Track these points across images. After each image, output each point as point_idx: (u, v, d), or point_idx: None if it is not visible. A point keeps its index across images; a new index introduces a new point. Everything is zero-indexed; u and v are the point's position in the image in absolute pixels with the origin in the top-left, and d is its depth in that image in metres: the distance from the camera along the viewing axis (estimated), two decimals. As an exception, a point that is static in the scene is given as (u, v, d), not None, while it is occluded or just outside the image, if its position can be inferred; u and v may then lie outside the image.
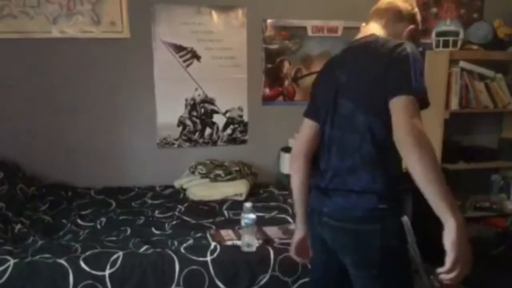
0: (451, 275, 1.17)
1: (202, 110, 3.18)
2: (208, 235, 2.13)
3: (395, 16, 1.54)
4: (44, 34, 2.85)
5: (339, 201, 1.44)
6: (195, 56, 3.10)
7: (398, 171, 1.40)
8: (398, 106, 1.26)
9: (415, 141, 1.20)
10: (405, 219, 1.38)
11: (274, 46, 3.23)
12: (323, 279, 1.62)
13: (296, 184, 1.62)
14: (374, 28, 1.53)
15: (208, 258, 1.92)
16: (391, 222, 1.37)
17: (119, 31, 2.95)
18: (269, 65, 3.24)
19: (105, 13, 2.91)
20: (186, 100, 3.14)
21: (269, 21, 3.19)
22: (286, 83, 3.30)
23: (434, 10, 3.37)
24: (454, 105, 3.07)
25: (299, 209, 1.62)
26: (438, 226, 1.20)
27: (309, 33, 3.26)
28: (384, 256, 1.38)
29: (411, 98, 1.26)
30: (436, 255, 1.24)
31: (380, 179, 1.37)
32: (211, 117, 3.20)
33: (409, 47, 1.33)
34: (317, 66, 3.31)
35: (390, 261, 1.39)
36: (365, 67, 1.41)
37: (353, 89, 1.43)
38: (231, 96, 3.21)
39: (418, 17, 1.58)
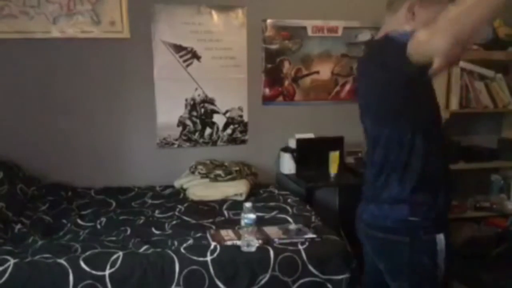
0: None
1: (202, 110, 3.18)
2: (208, 235, 2.13)
3: (394, 4, 1.44)
4: (44, 34, 2.84)
5: (373, 210, 1.45)
6: (195, 56, 3.10)
7: (434, 182, 1.37)
8: (411, 47, 1.15)
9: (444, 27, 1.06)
10: (441, 237, 1.36)
11: (274, 46, 3.22)
12: (373, 278, 1.64)
13: None
14: (381, 30, 1.50)
15: (208, 258, 1.92)
16: (422, 238, 1.35)
17: (119, 31, 2.95)
18: (269, 65, 3.24)
19: (105, 13, 2.91)
20: (186, 100, 3.14)
21: (269, 21, 3.19)
22: (286, 83, 3.30)
23: (434, 10, 3.36)
24: (454, 105, 3.07)
25: None
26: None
27: (309, 33, 3.25)
28: (414, 271, 1.37)
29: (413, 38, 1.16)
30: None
31: (411, 189, 1.36)
32: (211, 117, 3.20)
33: (390, 35, 1.28)
34: (317, 66, 3.32)
35: (421, 277, 1.38)
36: (370, 79, 1.41)
37: (368, 105, 1.46)
38: (231, 96, 3.21)
39: None
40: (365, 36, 3.31)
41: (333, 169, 3.03)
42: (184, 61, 3.09)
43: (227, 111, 3.22)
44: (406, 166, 1.37)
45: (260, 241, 2.02)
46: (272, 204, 2.64)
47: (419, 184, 1.37)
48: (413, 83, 1.26)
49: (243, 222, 1.99)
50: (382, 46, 1.36)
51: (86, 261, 1.85)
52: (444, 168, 1.43)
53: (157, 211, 2.57)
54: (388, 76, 1.29)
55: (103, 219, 2.44)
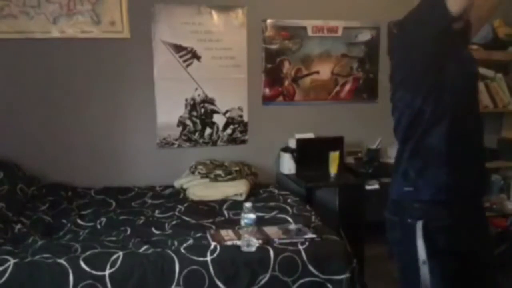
0: None
1: (202, 110, 3.18)
2: (208, 235, 2.13)
3: None
4: (44, 34, 2.84)
5: (389, 189, 1.45)
6: (195, 56, 3.10)
7: (438, 156, 1.32)
8: None
9: None
10: (420, 224, 1.30)
11: (274, 46, 3.23)
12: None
13: None
14: None
15: (208, 258, 1.91)
16: (409, 220, 1.32)
17: (119, 31, 2.95)
18: (269, 65, 3.24)
19: (105, 13, 2.91)
20: (186, 100, 3.14)
21: (269, 21, 3.19)
22: (286, 83, 3.30)
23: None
24: (454, 105, 3.07)
25: None
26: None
27: (309, 33, 3.26)
28: (400, 253, 1.37)
29: None
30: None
31: (409, 156, 1.34)
32: (211, 117, 3.20)
33: None
34: (317, 66, 3.32)
35: (406, 261, 1.36)
36: (400, 41, 1.45)
37: (393, 67, 1.45)
38: (231, 96, 3.21)
39: None
40: (365, 36, 3.32)
41: (333, 169, 3.03)
42: (184, 61, 3.09)
43: (227, 111, 3.22)
44: (409, 131, 1.34)
45: (260, 241, 2.01)
46: (272, 204, 2.64)
47: (418, 152, 1.34)
48: (442, 37, 1.26)
49: (243, 222, 1.99)
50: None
51: (86, 261, 1.85)
52: (455, 145, 1.34)
53: (157, 211, 2.57)
54: (419, 30, 1.30)
55: (103, 219, 2.44)
